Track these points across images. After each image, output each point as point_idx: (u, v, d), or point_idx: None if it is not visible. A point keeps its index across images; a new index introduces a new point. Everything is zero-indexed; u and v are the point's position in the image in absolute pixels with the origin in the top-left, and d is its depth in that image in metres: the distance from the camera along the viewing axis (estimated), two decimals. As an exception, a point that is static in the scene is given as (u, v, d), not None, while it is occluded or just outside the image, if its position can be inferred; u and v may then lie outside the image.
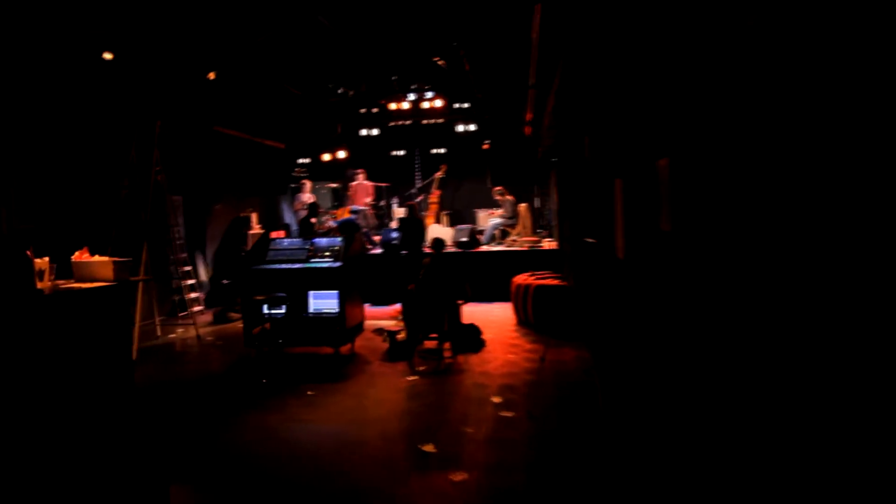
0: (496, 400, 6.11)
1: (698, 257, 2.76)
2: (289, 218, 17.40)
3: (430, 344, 8.27)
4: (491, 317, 10.85)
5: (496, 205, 15.80)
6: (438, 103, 15.89)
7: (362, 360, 8.04)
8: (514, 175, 16.62)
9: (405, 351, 8.03)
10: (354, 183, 16.32)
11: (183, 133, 12.52)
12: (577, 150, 7.90)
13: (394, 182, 17.69)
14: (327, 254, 8.29)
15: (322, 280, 7.97)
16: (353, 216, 14.05)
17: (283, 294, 7.68)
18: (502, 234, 15.65)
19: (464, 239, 13.56)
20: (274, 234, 15.12)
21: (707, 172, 2.57)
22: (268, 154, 15.91)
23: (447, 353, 7.95)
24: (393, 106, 16.05)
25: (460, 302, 8.26)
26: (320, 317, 7.98)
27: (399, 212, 16.88)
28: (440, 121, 16.93)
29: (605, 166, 5.74)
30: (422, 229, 12.43)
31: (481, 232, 15.36)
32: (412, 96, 15.81)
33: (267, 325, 8.04)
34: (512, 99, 14.10)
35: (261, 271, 8.12)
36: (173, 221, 12.17)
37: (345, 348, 8.34)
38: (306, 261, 8.29)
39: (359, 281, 8.81)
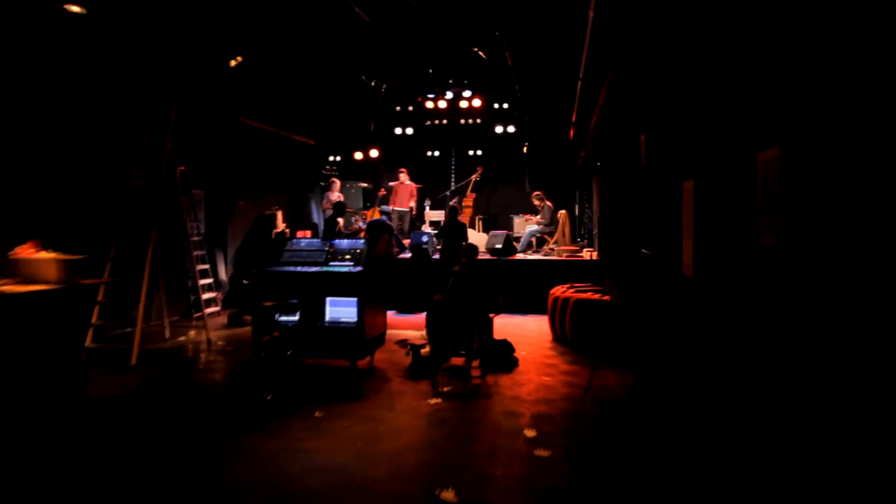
0: (529, 434, 5.27)
1: (829, 281, 1.92)
2: (317, 217, 16.76)
3: (456, 360, 7.48)
4: (525, 331, 10.00)
5: (534, 211, 14.95)
6: (477, 102, 15.11)
7: (381, 376, 7.26)
8: (554, 180, 15.76)
9: (429, 368, 7.25)
10: (396, 183, 15.59)
11: (206, 123, 11.94)
12: (629, 151, 7.04)
13: (427, 184, 16.93)
14: (347, 257, 7.55)
15: (340, 285, 7.23)
16: (383, 217, 13.29)
17: (296, 301, 6.94)
18: (539, 241, 14.80)
19: (498, 246, 12.73)
20: (300, 234, 14.53)
21: (847, 165, 1.75)
22: (296, 150, 15.29)
23: (475, 373, 7.14)
24: (430, 104, 15.32)
25: (492, 315, 7.45)
26: (337, 326, 7.23)
27: (431, 215, 16.13)
28: (478, 121, 16.13)
29: (668, 167, 4.88)
30: (464, 235, 11.63)
31: (517, 239, 14.53)
32: (450, 94, 15.04)
33: (277, 333, 7.33)
34: (555, 99, 13.27)
35: (274, 274, 7.40)
36: (192, 216, 11.59)
37: (363, 362, 7.59)
38: (324, 264, 7.55)
39: (383, 287, 8.05)
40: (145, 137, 8.96)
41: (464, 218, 15.76)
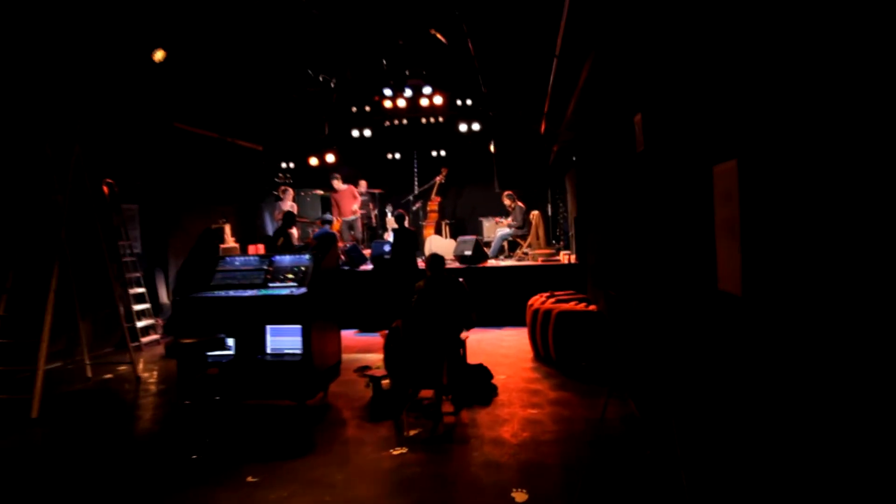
0: (520, 498, 4.13)
1: None
2: (271, 230, 15.45)
3: (425, 392, 6.33)
4: (502, 348, 8.89)
5: (504, 213, 13.87)
6: (438, 100, 13.95)
7: (335, 417, 6.07)
8: (524, 179, 14.67)
9: (393, 404, 6.08)
10: (334, 192, 14.36)
11: (136, 131, 10.62)
12: (618, 137, 5.96)
13: (389, 188, 15.74)
14: (290, 276, 6.36)
15: (282, 311, 6.03)
16: (326, 227, 12.06)
17: (223, 336, 5.69)
18: (511, 245, 13.72)
19: (468, 252, 11.59)
20: (252, 249, 13.27)
21: None
22: (243, 156, 14.00)
23: (447, 407, 5.99)
24: (388, 104, 14.13)
25: (465, 335, 6.31)
26: (280, 360, 6.03)
27: (393, 221, 14.94)
28: (440, 119, 14.97)
29: (681, 150, 3.80)
30: (414, 243, 10.52)
31: (488, 244, 13.43)
32: (409, 92, 13.87)
33: (215, 370, 6.11)
34: (523, 90, 12.20)
35: (202, 301, 6.16)
36: (123, 235, 10.30)
37: (313, 400, 6.40)
38: (263, 286, 6.36)
39: (335, 308, 6.87)
40: (47, 146, 7.58)
41: (429, 223, 14.62)
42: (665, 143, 4.25)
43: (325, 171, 15.59)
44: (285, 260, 6.56)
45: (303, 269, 6.38)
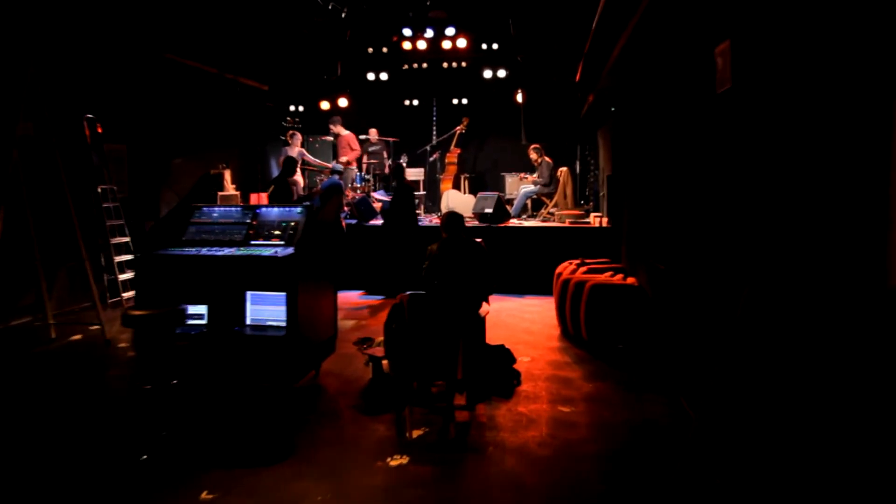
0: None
1: None
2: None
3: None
4: (525, 321, 7.84)
5: (529, 168, 12.65)
6: (462, 42, 12.67)
7: (326, 405, 5.05)
8: (553, 132, 13.39)
9: (394, 395, 5.04)
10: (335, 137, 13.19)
11: (122, 61, 9.48)
12: (686, 76, 4.78)
13: (406, 137, 14.49)
14: (276, 233, 5.28)
15: (264, 275, 4.97)
16: (334, 177, 10.95)
17: (184, 307, 4.60)
18: (535, 204, 12.55)
19: (488, 210, 10.43)
20: (255, 198, 12.22)
21: None
22: (247, 96, 12.78)
23: (459, 401, 4.93)
24: (407, 45, 12.87)
25: (485, 311, 5.22)
26: (263, 334, 4.99)
27: (409, 173, 13.77)
28: (463, 64, 13.64)
29: (814, 82, 2.64)
30: (411, 201, 9.50)
31: (510, 201, 12.25)
32: (430, 33, 12.58)
33: (185, 342, 5.09)
34: (558, 33, 10.88)
35: (167, 259, 5.10)
36: (106, 177, 9.26)
37: (303, 379, 5.39)
38: (243, 243, 5.29)
39: (331, 271, 5.80)
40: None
41: (447, 177, 13.45)
42: (773, 76, 3.08)
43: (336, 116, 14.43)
44: (272, 213, 5.47)
45: (293, 224, 5.30)
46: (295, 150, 12.47)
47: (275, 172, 14.32)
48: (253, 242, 5.26)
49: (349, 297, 9.42)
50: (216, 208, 5.67)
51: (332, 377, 5.65)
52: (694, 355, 4.71)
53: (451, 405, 4.66)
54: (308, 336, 5.21)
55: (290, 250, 4.97)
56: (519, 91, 13.08)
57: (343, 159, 12.61)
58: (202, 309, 5.12)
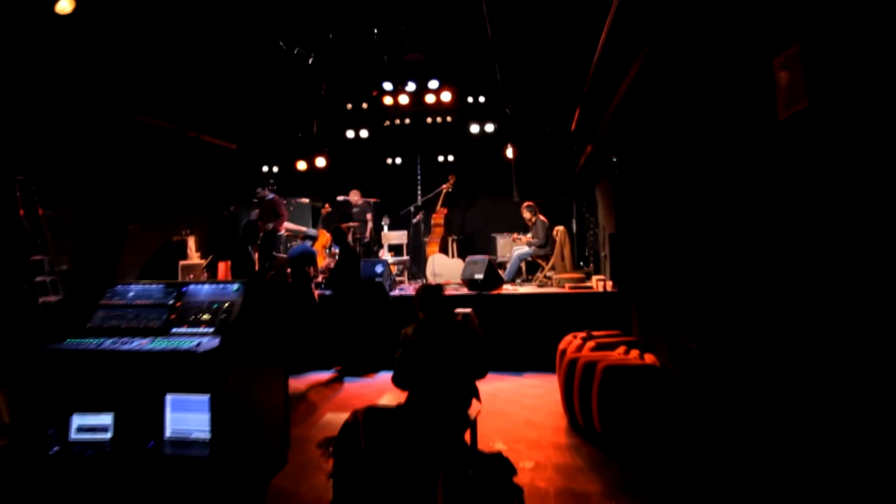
0: None
1: None
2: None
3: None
4: (524, 408, 6.63)
5: (522, 228, 11.61)
6: (446, 96, 11.87)
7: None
8: (548, 188, 12.35)
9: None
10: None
11: (67, 117, 8.47)
12: (727, 102, 3.73)
13: (388, 198, 13.43)
14: (204, 317, 4.11)
15: (182, 374, 3.79)
16: (307, 243, 9.81)
17: (53, 431, 3.42)
18: (530, 267, 11.47)
19: (478, 276, 9.31)
20: (222, 267, 11.12)
21: None
22: (213, 156, 11.75)
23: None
24: (388, 100, 12.05)
25: (474, 410, 4.04)
26: (185, 452, 3.78)
27: (391, 236, 12.70)
28: (448, 119, 12.77)
29: None
30: (355, 266, 8.52)
31: (503, 265, 11.17)
32: (412, 86, 11.74)
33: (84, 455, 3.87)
34: (550, 77, 9.97)
35: (60, 356, 3.92)
36: (41, 247, 8.11)
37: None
38: (163, 331, 4.11)
39: (280, 353, 4.61)
40: None
41: (433, 239, 12.36)
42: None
43: (313, 177, 13.39)
44: (202, 291, 4.31)
45: (226, 305, 4.14)
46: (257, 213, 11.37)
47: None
48: (174, 331, 4.09)
49: (319, 378, 8.22)
50: (133, 286, 4.50)
51: (283, 500, 4.41)
52: (744, 463, 3.53)
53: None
54: (246, 449, 4.00)
55: (216, 341, 3.79)
56: (509, 145, 12.13)
57: (269, 226, 11.09)
58: (107, 419, 3.92)
